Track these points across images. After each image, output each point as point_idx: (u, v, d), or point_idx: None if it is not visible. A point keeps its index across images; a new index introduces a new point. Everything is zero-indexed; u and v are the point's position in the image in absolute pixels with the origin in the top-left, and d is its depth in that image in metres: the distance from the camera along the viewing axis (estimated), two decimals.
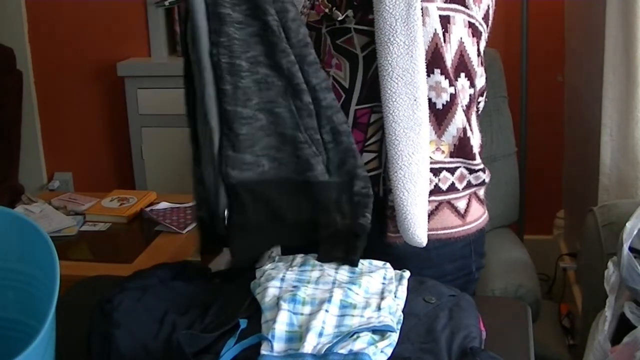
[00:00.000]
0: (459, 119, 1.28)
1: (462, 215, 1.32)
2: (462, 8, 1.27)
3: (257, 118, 1.22)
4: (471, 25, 1.28)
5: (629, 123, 1.89)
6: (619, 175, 1.94)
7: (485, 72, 1.37)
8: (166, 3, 2.93)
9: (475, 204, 1.34)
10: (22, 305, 1.10)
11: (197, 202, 1.30)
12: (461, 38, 1.27)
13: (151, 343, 1.08)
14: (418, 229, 1.25)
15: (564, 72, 2.61)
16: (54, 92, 3.19)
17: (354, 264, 1.21)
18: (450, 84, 1.27)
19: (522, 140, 2.66)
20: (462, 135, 1.29)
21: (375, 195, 1.29)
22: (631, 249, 1.50)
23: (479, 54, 1.32)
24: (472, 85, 1.31)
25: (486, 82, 1.38)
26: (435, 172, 1.28)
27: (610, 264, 1.57)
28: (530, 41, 2.63)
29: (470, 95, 1.30)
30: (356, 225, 1.22)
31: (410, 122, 1.23)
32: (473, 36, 1.29)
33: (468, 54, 1.29)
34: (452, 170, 1.30)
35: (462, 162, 1.31)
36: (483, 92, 1.37)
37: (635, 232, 1.52)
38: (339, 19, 1.27)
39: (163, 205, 2.30)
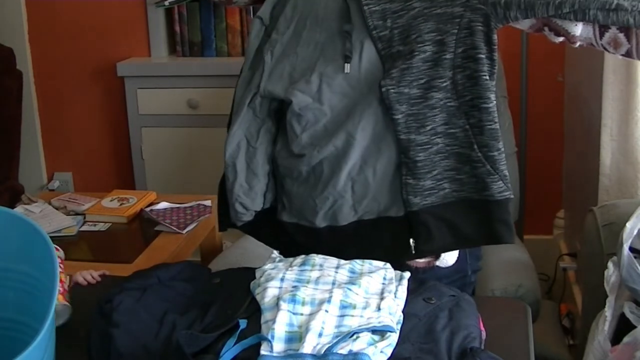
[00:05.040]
0: None
1: None
2: None
3: (434, 142, 1.24)
4: None
5: (629, 123, 1.89)
6: (619, 175, 1.94)
7: None
8: (166, 3, 2.93)
9: None
10: (22, 306, 1.10)
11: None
12: None
13: (151, 343, 1.08)
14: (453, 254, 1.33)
15: (564, 72, 2.61)
16: (54, 92, 3.19)
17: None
18: None
19: (522, 140, 2.66)
20: None
21: None
22: (631, 249, 1.50)
23: None
24: None
25: None
26: None
27: (610, 264, 1.57)
28: (530, 41, 2.63)
29: None
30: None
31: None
32: None
33: None
34: None
35: None
36: None
37: (635, 232, 1.52)
38: None
39: (163, 205, 2.29)
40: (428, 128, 1.23)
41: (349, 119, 1.25)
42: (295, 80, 1.27)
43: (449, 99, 1.23)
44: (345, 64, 1.24)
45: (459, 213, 1.24)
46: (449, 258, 1.31)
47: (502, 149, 1.24)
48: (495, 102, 1.24)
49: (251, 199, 1.33)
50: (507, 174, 1.25)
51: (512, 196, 1.25)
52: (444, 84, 1.22)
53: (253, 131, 1.32)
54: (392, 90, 1.22)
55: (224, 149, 1.33)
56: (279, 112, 1.32)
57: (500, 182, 1.23)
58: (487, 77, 1.23)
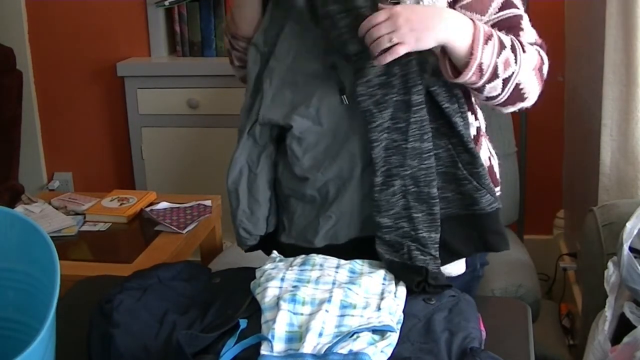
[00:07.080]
0: (485, 149, 1.36)
1: None
2: None
3: None
4: None
5: (629, 123, 1.89)
6: (619, 175, 1.94)
7: None
8: (166, 3, 2.93)
9: None
10: (22, 306, 1.10)
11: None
12: None
13: (151, 343, 1.08)
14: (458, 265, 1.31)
15: (564, 72, 2.61)
16: (54, 92, 3.19)
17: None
18: (476, 118, 1.35)
19: (522, 140, 2.66)
20: (488, 163, 1.37)
21: None
22: (631, 249, 1.50)
23: None
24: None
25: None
26: None
27: (610, 264, 1.57)
28: None
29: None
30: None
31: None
32: None
33: None
34: None
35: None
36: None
37: (635, 232, 1.52)
38: None
39: (163, 205, 2.29)
40: None
41: (349, 141, 1.26)
42: (296, 106, 1.28)
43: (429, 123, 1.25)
44: (342, 97, 1.26)
45: (448, 230, 1.25)
46: (451, 269, 1.31)
47: (484, 164, 1.27)
48: (465, 121, 1.26)
49: (253, 224, 1.35)
50: (492, 186, 1.27)
51: (500, 206, 1.27)
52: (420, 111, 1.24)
53: (254, 158, 1.34)
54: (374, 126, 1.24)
55: (225, 175, 1.34)
56: (279, 136, 1.33)
57: (488, 195, 1.26)
58: (448, 105, 1.25)
